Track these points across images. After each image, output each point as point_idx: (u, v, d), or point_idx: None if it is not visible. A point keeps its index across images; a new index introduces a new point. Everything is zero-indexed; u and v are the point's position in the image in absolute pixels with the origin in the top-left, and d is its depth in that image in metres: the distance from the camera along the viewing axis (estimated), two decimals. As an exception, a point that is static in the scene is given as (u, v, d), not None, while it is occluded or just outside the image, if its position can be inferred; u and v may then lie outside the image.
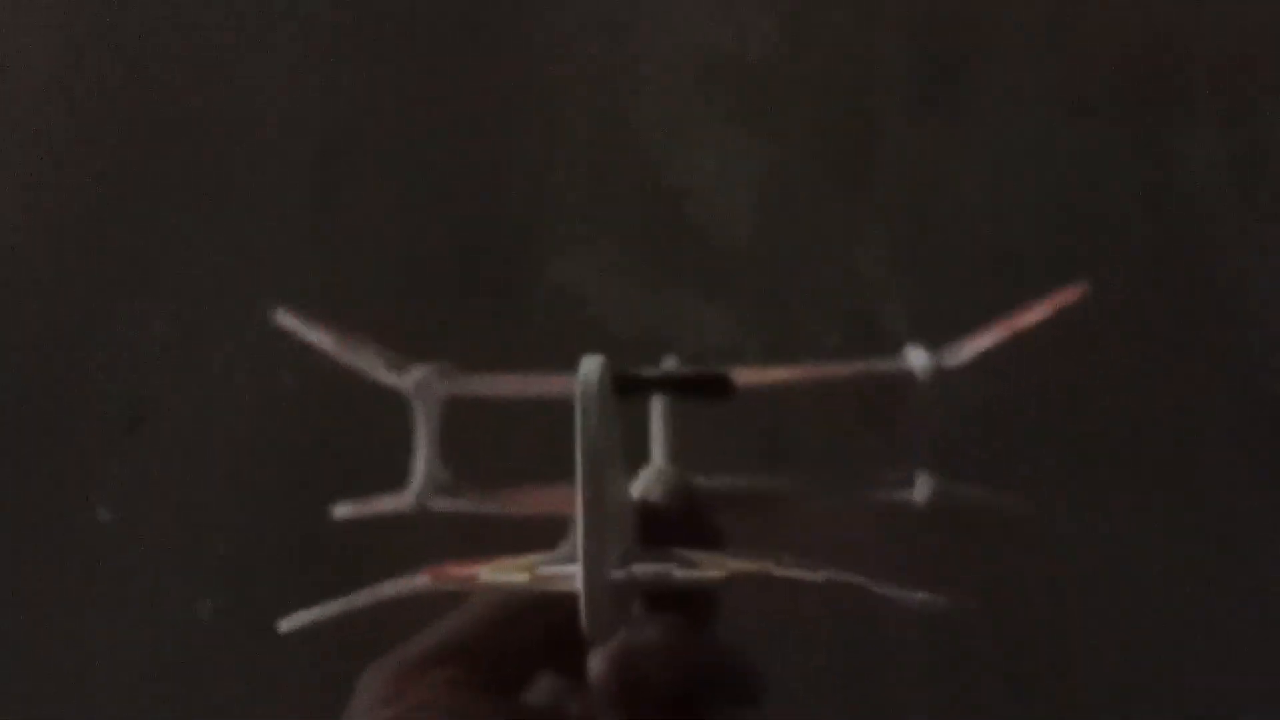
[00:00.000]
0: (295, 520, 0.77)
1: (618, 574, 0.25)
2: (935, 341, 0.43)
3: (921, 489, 0.41)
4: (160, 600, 0.79)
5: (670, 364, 0.48)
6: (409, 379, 0.43)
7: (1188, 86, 0.99)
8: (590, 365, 0.24)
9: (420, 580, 0.27)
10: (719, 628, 0.33)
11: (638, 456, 0.40)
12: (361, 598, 0.27)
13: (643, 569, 0.25)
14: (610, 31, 1.02)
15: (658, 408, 0.42)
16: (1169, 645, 0.77)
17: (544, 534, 0.31)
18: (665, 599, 0.30)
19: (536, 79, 1.01)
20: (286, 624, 0.28)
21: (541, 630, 0.29)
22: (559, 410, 0.31)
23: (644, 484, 0.36)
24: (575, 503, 0.25)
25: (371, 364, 0.44)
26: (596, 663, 0.27)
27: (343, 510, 0.47)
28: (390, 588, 0.27)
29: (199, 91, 1.00)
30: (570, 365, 0.25)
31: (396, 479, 0.45)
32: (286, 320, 0.47)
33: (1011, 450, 0.82)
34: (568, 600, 0.25)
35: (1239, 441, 0.82)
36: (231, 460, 0.83)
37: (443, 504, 0.43)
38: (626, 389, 0.27)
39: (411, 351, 0.46)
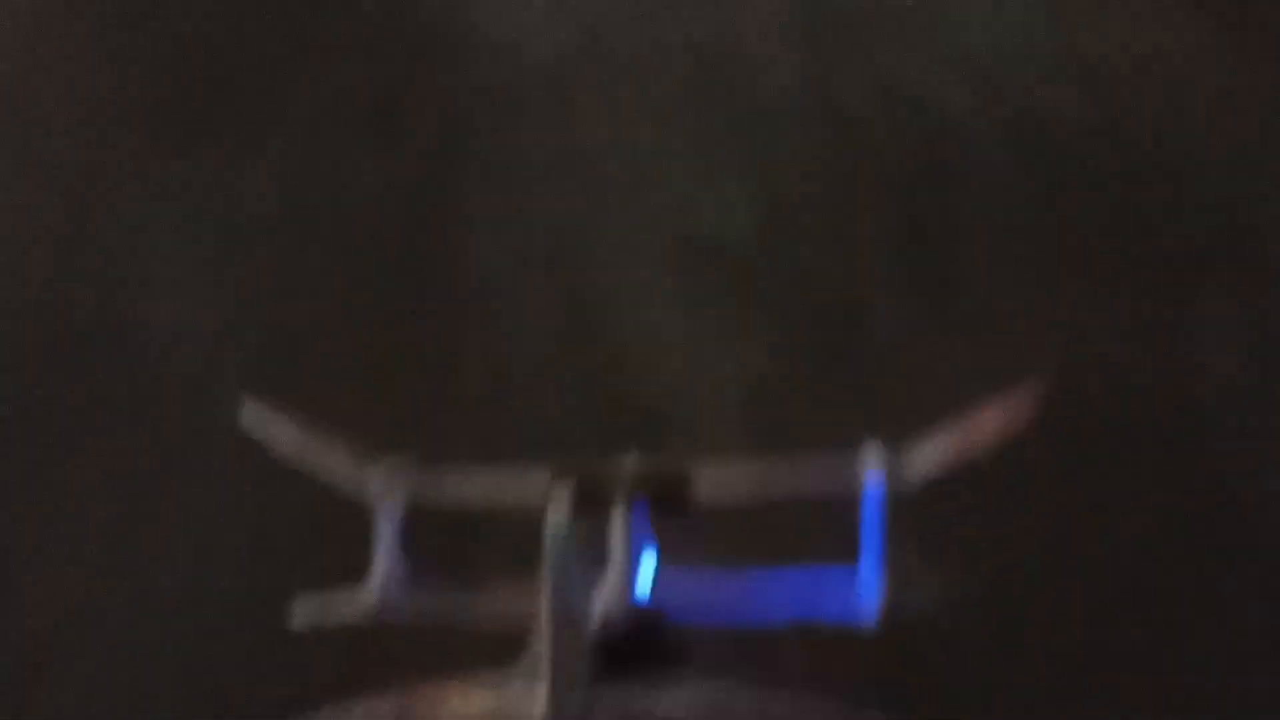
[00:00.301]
0: None
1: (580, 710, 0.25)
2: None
3: (869, 604, 0.42)
4: None
5: (631, 459, 0.49)
6: (371, 484, 0.43)
7: (1195, 257, 0.93)
8: (558, 522, 0.25)
9: (389, 704, 0.27)
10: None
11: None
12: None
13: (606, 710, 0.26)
14: (577, 218, 0.96)
15: (619, 513, 0.42)
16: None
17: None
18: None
19: (500, 270, 0.92)
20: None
21: None
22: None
23: (607, 599, 0.37)
24: (540, 627, 0.25)
25: (337, 463, 0.44)
26: None
27: (302, 613, 0.47)
28: (358, 713, 0.27)
29: (117, 318, 0.91)
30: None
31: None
32: (252, 413, 0.47)
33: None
34: None
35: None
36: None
37: (403, 607, 0.43)
38: (590, 502, 0.27)
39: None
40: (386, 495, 0.43)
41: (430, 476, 0.46)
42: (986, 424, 0.44)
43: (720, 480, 0.44)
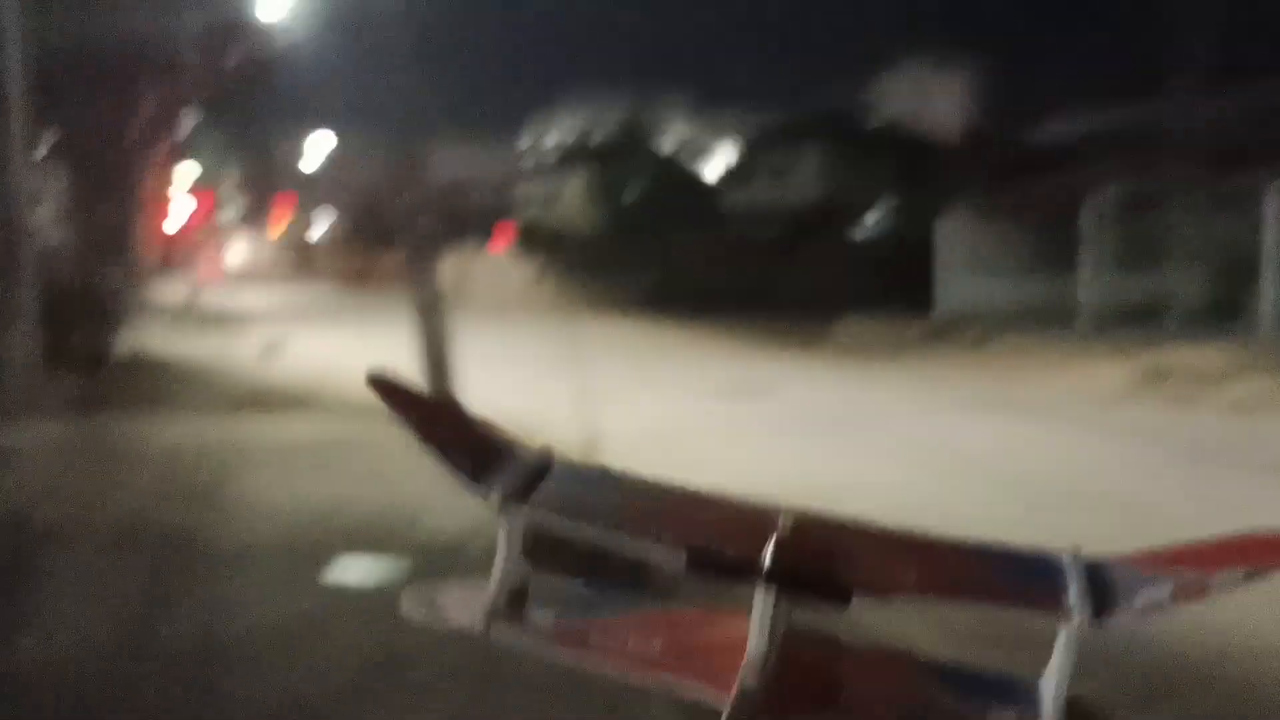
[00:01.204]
0: None
1: None
2: None
3: None
4: None
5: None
6: (496, 494, 0.39)
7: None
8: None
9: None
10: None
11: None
12: None
13: None
14: None
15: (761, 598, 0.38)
16: None
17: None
18: None
19: None
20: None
21: None
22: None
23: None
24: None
25: (461, 464, 0.40)
26: None
27: (412, 607, 0.44)
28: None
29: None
30: None
31: None
32: (380, 380, 0.44)
33: None
34: None
35: None
36: None
37: (508, 636, 0.39)
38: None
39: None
40: (508, 515, 0.39)
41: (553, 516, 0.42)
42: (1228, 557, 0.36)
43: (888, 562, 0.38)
